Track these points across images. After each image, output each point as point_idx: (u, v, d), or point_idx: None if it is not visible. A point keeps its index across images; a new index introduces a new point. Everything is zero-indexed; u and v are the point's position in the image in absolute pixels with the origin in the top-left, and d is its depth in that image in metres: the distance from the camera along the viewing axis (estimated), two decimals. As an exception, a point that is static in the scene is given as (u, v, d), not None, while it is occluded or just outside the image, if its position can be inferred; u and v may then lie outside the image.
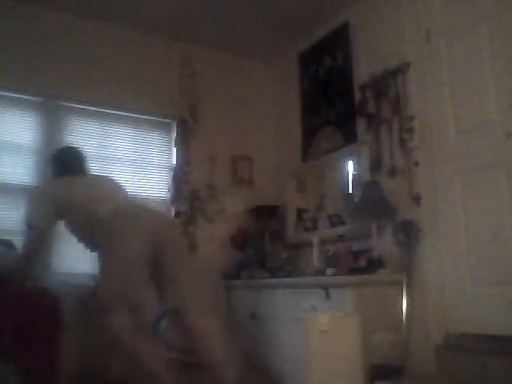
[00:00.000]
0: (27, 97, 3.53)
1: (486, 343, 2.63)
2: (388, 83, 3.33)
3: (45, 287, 2.82)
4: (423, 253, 3.04)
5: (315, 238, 3.51)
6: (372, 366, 2.81)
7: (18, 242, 2.89)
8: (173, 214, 3.86)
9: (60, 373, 2.53)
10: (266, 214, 4.07)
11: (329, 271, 3.12)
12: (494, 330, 2.63)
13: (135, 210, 2.67)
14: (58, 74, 3.56)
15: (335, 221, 3.70)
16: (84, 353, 2.93)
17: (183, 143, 3.97)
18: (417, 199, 3.08)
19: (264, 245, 3.98)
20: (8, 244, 2.99)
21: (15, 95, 3.49)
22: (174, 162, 3.95)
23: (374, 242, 3.20)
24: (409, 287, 3.03)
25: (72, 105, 3.64)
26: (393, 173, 3.27)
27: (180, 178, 3.87)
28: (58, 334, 2.60)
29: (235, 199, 4.09)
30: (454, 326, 2.86)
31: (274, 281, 3.52)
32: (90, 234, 2.62)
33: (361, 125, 3.57)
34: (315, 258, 3.45)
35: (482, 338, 2.68)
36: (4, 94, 3.46)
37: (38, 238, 2.62)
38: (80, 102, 3.67)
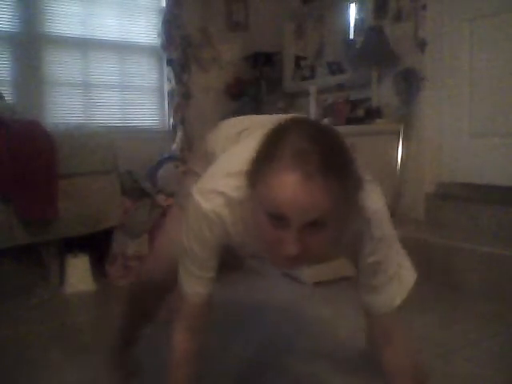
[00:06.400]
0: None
1: (476, 192, 2.70)
2: None
3: (35, 120, 2.61)
4: (423, 102, 2.97)
5: (312, 87, 3.41)
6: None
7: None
8: (165, 61, 3.68)
9: (57, 212, 2.42)
10: (263, 61, 3.90)
11: (326, 121, 3.09)
12: (486, 179, 2.68)
13: None
14: None
15: (334, 69, 3.57)
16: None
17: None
18: (421, 45, 2.93)
19: (260, 94, 3.88)
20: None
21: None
22: (164, 5, 3.66)
23: (373, 92, 3.13)
24: (406, 137, 3.03)
25: None
26: (398, 17, 3.07)
27: (171, 21, 3.61)
28: (54, 172, 2.43)
29: (230, 46, 3.87)
30: (448, 176, 2.91)
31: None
32: None
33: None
34: (312, 107, 3.38)
35: (473, 187, 2.74)
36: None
37: None
38: None
